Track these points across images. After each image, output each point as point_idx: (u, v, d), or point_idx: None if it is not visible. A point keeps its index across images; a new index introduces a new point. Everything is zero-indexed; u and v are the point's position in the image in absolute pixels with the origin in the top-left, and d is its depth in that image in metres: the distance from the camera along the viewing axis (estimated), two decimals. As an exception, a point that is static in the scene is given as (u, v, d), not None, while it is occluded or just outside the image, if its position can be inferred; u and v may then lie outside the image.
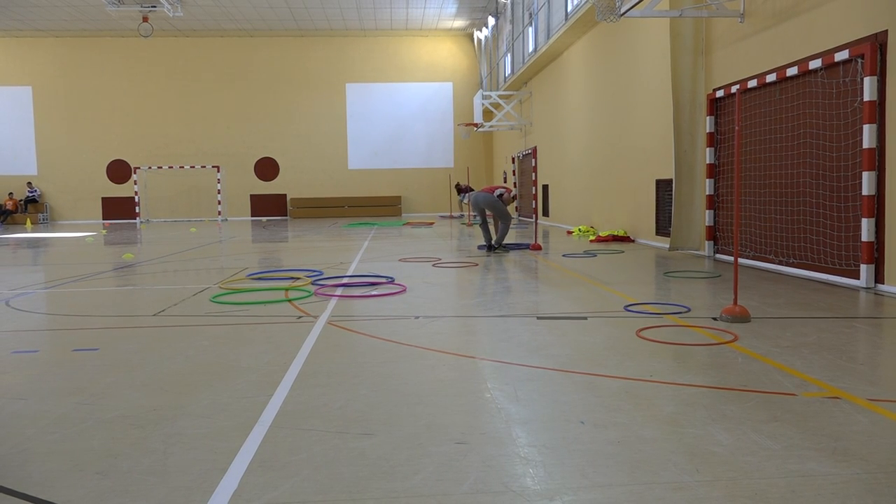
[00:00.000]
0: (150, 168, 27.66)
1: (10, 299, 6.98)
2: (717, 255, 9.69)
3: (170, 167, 27.67)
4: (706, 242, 9.88)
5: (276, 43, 28.29)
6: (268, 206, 28.73)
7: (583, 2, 14.30)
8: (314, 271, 8.70)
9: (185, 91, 28.16)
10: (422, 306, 6.13)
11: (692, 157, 10.10)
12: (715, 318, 5.26)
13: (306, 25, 26.92)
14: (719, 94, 9.26)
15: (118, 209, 28.22)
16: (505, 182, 26.07)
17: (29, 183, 27.88)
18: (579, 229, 15.02)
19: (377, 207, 28.54)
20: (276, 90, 28.36)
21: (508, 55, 24.04)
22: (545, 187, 20.37)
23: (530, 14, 20.61)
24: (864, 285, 6.59)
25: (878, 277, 6.58)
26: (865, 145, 6.49)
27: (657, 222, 11.70)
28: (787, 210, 7.97)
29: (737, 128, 5.27)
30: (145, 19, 22.80)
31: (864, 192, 6.53)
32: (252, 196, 28.67)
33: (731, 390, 3.43)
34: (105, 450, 2.78)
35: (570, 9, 16.19)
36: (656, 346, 4.43)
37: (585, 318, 5.40)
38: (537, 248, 11.60)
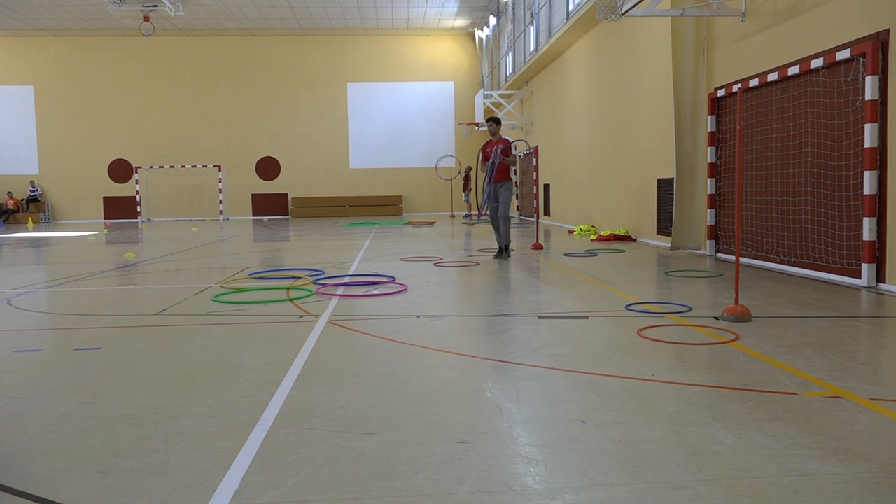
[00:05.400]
0: (151, 167, 27.67)
1: (11, 298, 6.99)
2: (719, 255, 9.68)
3: (171, 166, 27.67)
4: (707, 242, 9.88)
5: (277, 42, 28.28)
6: (269, 206, 28.73)
7: (584, 1, 14.29)
8: (315, 270, 8.70)
9: (187, 90, 28.16)
10: (423, 305, 6.13)
11: (693, 156, 10.09)
12: (716, 318, 5.26)
13: (308, 25, 26.92)
14: (721, 93, 9.25)
15: (119, 208, 28.24)
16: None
17: (31, 182, 27.90)
18: (580, 228, 15.02)
19: (378, 207, 28.54)
20: (278, 89, 28.36)
21: (510, 54, 24.03)
22: (546, 186, 20.36)
23: (532, 13, 20.60)
24: (866, 284, 6.58)
25: (880, 276, 6.58)
26: (867, 144, 6.48)
27: (658, 221, 11.70)
28: (788, 209, 7.97)
29: (738, 127, 5.26)
30: (147, 18, 22.80)
31: (866, 191, 6.52)
32: (253, 195, 28.67)
33: (733, 390, 3.43)
34: (106, 449, 2.78)
35: (571, 8, 16.19)
36: (658, 345, 4.43)
37: (587, 318, 5.39)
38: (538, 247, 11.60)
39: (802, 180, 7.66)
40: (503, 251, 9.77)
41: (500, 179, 9.74)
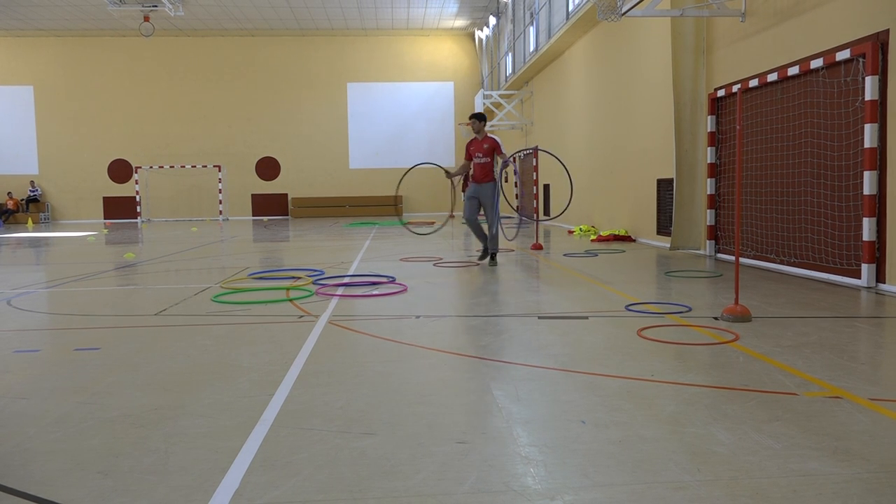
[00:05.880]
0: (151, 167, 27.67)
1: (11, 298, 6.98)
2: (719, 255, 9.68)
3: (171, 167, 27.68)
4: (707, 242, 9.88)
5: (277, 42, 28.29)
6: (269, 206, 28.74)
7: (584, 1, 14.29)
8: (315, 271, 8.70)
9: (187, 90, 28.17)
10: (423, 306, 6.13)
11: (693, 156, 10.09)
12: (716, 318, 5.26)
13: (307, 25, 26.92)
14: (720, 93, 9.25)
15: (119, 209, 28.25)
16: (506, 181, 26.05)
17: (31, 182, 27.90)
18: (580, 229, 15.02)
19: (378, 207, 28.54)
20: (278, 89, 28.37)
21: (509, 54, 24.03)
22: (546, 187, 20.37)
23: (531, 13, 20.60)
24: (866, 285, 6.58)
25: (880, 277, 6.58)
26: (867, 145, 6.48)
27: (658, 222, 11.70)
28: (788, 209, 7.97)
29: (738, 127, 5.26)
30: (146, 19, 22.81)
31: (866, 191, 6.52)
32: (253, 195, 28.68)
33: (733, 390, 3.43)
34: (106, 449, 2.78)
35: (571, 8, 16.19)
36: (657, 345, 4.43)
37: (586, 318, 5.39)
38: (538, 247, 11.61)
39: (802, 180, 7.66)
40: (487, 253, 9.15)
41: (482, 180, 9.07)
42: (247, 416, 3.14)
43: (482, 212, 9.27)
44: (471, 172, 9.25)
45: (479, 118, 9.19)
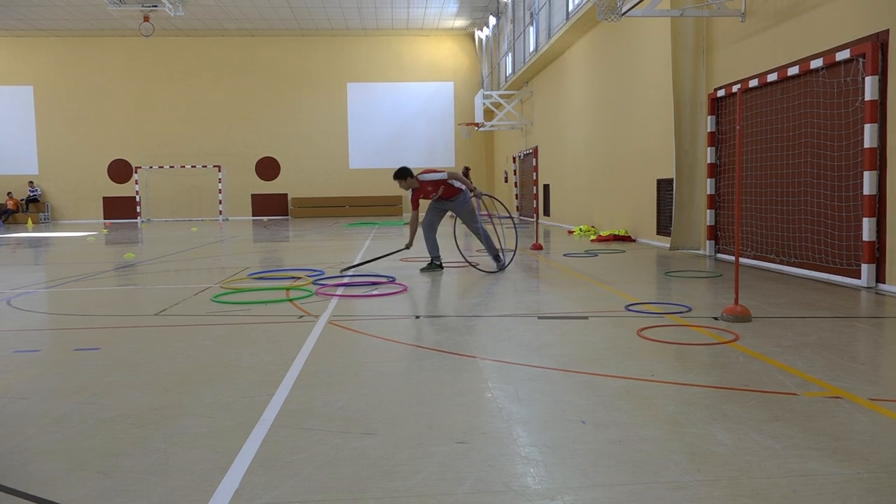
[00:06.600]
0: (151, 168, 27.67)
1: (11, 298, 6.98)
2: (719, 255, 9.68)
3: (171, 167, 27.67)
4: (707, 242, 9.88)
5: (277, 42, 28.29)
6: (269, 206, 28.73)
7: (584, 1, 14.29)
8: (315, 271, 8.70)
9: (187, 90, 28.16)
10: (423, 306, 6.13)
11: (693, 156, 10.09)
12: (716, 318, 5.26)
13: (307, 25, 26.92)
14: (720, 93, 9.25)
15: (119, 209, 28.24)
16: (506, 181, 26.04)
17: (30, 182, 27.90)
18: (580, 229, 15.02)
19: (378, 207, 28.54)
20: (278, 90, 28.37)
21: (509, 55, 24.03)
22: (546, 187, 20.37)
23: (531, 13, 20.60)
24: (866, 285, 6.59)
25: (880, 277, 6.58)
26: (867, 145, 6.48)
27: (658, 222, 11.70)
28: (788, 209, 7.97)
29: (738, 127, 5.26)
30: (146, 19, 22.80)
31: (866, 191, 6.52)
32: (253, 195, 28.67)
33: (733, 390, 3.43)
34: (106, 449, 2.78)
35: (571, 8, 16.19)
36: (657, 345, 4.43)
37: (586, 318, 5.39)
38: (538, 247, 11.61)
39: (802, 180, 7.66)
40: (432, 264, 8.76)
41: (449, 196, 8.75)
42: (247, 416, 3.14)
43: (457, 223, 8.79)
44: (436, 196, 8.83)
45: (401, 176, 8.66)
